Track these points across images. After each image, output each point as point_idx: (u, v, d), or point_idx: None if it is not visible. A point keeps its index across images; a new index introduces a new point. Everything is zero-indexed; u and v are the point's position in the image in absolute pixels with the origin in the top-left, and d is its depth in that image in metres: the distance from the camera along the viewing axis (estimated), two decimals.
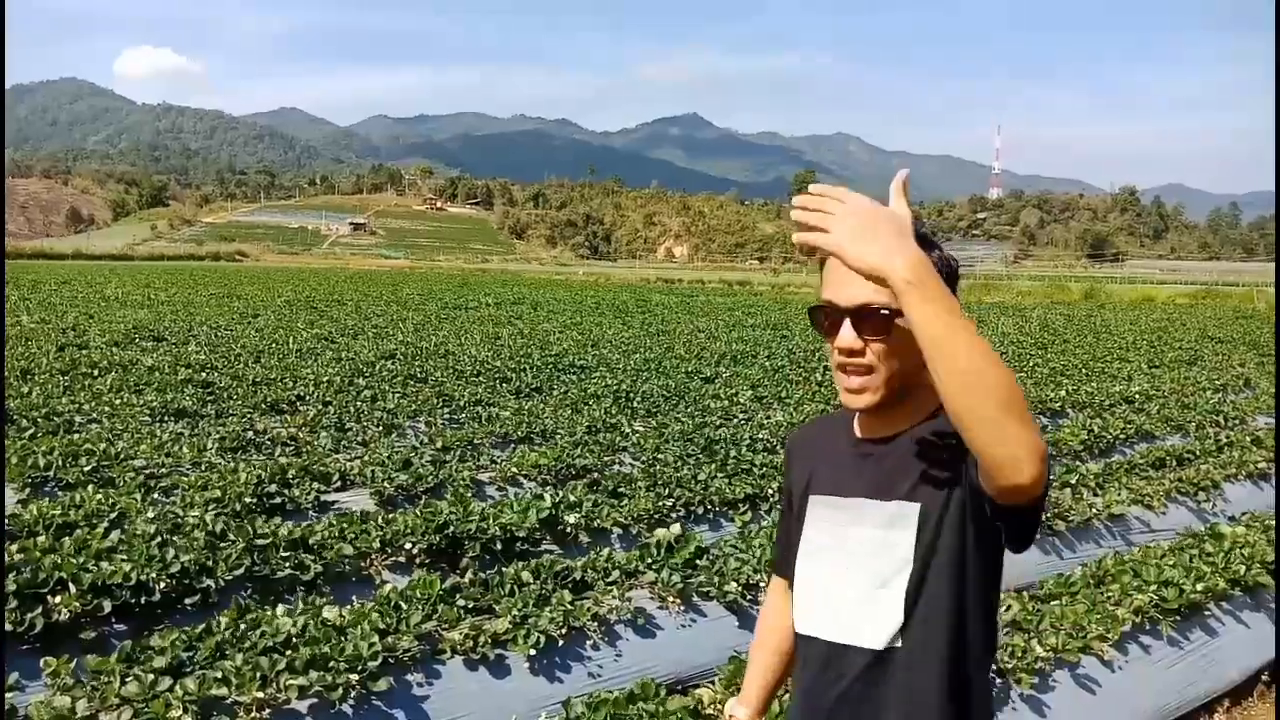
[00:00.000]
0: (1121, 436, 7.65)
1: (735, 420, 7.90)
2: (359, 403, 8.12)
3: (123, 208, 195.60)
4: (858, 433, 1.62)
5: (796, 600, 1.63)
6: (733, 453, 6.34)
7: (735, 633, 3.92)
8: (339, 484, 5.46)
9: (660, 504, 5.16)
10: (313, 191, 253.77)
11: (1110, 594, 4.14)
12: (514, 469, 5.93)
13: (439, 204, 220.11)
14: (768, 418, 8.05)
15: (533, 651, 3.33)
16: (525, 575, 3.76)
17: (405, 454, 5.99)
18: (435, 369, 10.35)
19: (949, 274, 1.49)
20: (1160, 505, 5.97)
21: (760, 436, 7.04)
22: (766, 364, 11.79)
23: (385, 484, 5.38)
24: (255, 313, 18.49)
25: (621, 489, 5.44)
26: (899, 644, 1.49)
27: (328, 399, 8.26)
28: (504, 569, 3.87)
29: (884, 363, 1.48)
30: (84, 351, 11.08)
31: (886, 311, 1.45)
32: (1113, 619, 3.86)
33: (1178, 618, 4.07)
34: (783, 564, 1.80)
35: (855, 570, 1.54)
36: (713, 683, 3.56)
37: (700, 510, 5.37)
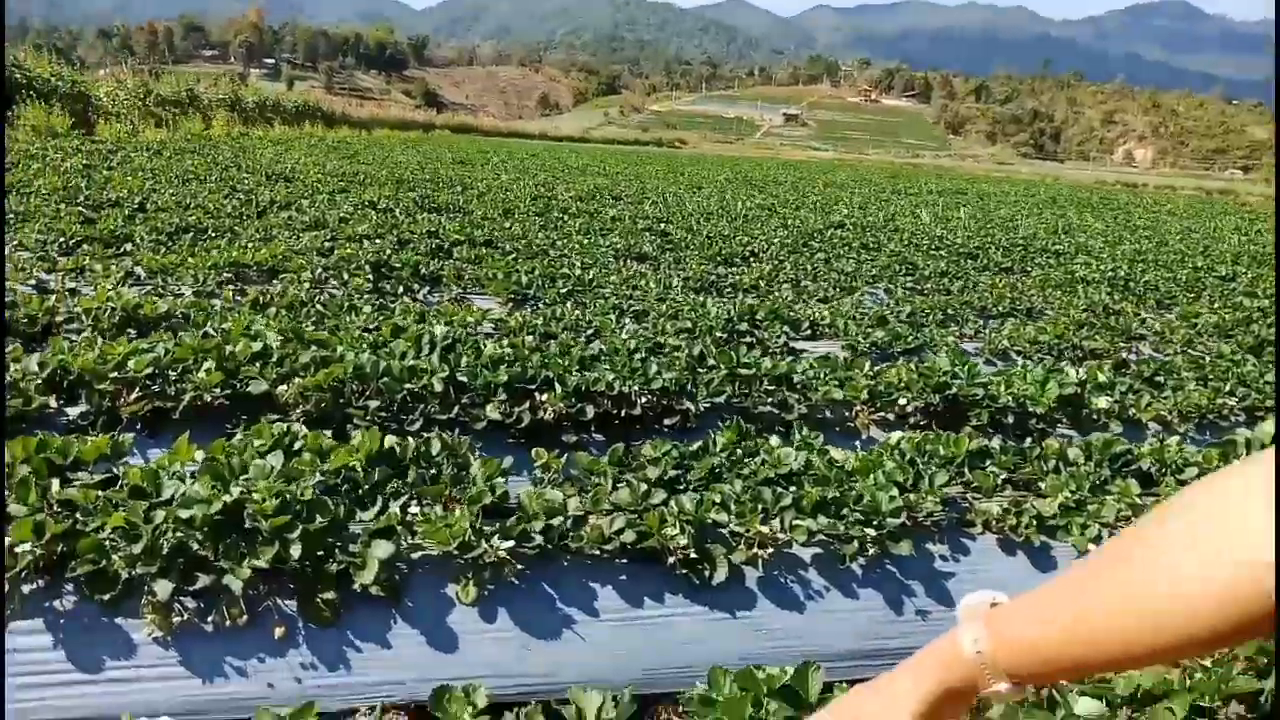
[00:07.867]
0: None
1: None
2: (813, 263, 7.61)
3: (582, 95, 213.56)
4: None
5: None
6: None
7: None
8: (808, 332, 4.96)
9: (1217, 402, 4.00)
10: (750, 83, 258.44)
11: None
12: (1005, 342, 5.05)
13: (874, 95, 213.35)
14: None
15: (1091, 546, 2.54)
16: (1072, 452, 2.93)
17: (879, 310, 5.33)
18: (888, 241, 9.55)
19: None
20: None
21: None
22: None
23: (859, 338, 4.78)
24: (699, 185, 18.79)
25: (1158, 377, 4.34)
26: None
27: (780, 258, 7.83)
28: (1043, 441, 3.08)
29: None
30: (553, 202, 11.75)
31: None
32: None
33: None
34: None
35: None
36: None
37: (1260, 416, 4.13)
